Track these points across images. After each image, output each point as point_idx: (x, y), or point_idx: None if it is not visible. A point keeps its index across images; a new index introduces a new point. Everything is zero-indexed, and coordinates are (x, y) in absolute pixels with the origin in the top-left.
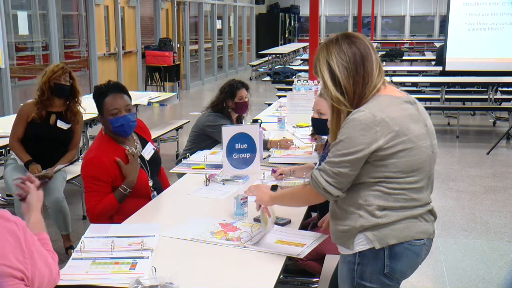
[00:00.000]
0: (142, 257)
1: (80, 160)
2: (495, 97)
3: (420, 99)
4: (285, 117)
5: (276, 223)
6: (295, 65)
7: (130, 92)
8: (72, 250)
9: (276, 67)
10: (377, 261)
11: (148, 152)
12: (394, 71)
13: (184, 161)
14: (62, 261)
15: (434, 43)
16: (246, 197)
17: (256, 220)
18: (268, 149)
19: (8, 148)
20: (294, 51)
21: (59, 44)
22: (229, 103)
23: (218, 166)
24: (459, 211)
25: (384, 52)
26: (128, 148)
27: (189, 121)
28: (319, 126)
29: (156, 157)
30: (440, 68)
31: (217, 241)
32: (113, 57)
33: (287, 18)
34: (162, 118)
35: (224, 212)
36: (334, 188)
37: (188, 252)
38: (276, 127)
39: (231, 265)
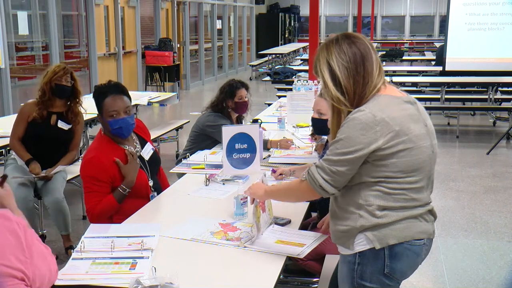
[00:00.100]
0: (142, 257)
1: (80, 160)
2: (495, 97)
3: (420, 99)
4: (285, 117)
5: (276, 223)
6: (295, 65)
7: (130, 92)
8: (72, 250)
9: (276, 67)
10: (377, 261)
11: (147, 152)
12: (394, 71)
13: (184, 161)
14: (62, 261)
15: (434, 43)
16: (246, 197)
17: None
18: (268, 149)
19: (8, 148)
20: (294, 51)
21: (59, 44)
22: (229, 103)
23: (218, 166)
24: (459, 211)
25: (384, 52)
26: (127, 148)
27: (189, 121)
28: (319, 126)
29: (155, 157)
30: (440, 68)
31: (217, 241)
32: (113, 57)
33: (287, 18)
34: (162, 118)
35: (224, 212)
36: (330, 186)
37: (188, 252)
38: (276, 127)
39: (231, 265)
